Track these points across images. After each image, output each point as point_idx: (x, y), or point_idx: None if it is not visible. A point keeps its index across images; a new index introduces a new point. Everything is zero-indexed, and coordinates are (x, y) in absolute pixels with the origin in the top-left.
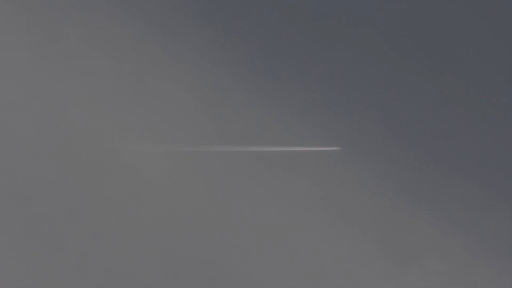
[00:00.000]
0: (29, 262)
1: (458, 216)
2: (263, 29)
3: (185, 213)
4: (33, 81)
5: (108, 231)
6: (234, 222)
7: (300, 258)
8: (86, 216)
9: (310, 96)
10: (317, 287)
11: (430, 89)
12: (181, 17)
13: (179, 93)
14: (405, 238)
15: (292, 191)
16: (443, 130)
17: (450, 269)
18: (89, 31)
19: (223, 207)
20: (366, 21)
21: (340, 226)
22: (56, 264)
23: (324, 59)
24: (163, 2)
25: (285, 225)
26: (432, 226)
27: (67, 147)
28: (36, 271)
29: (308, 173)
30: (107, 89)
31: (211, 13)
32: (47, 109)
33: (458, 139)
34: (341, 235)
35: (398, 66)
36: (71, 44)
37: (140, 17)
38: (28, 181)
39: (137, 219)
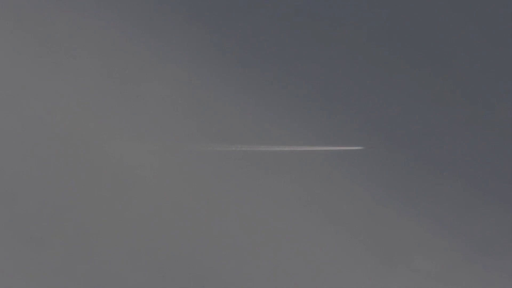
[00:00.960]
0: (15, 261)
1: (446, 215)
2: (251, 27)
3: (173, 212)
4: (19, 80)
5: (96, 230)
6: (225, 221)
7: (287, 257)
8: (73, 215)
9: (299, 95)
10: (305, 286)
11: (420, 88)
12: (170, 16)
13: (168, 92)
14: (393, 237)
15: (279, 191)
16: (432, 129)
17: (438, 269)
18: (80, 31)
19: (214, 207)
20: (355, 19)
21: (327, 225)
22: (42, 264)
23: (313, 57)
24: (152, 2)
25: (274, 224)
26: (420, 225)
27: (54, 145)
28: (22, 270)
29: (296, 173)
30: (97, 88)
31: (199, 12)
32: (35, 108)
33: (447, 138)
34: (328, 234)
35: (388, 64)
36: (61, 43)
37: (130, 16)
38: (14, 179)
39: (125, 218)
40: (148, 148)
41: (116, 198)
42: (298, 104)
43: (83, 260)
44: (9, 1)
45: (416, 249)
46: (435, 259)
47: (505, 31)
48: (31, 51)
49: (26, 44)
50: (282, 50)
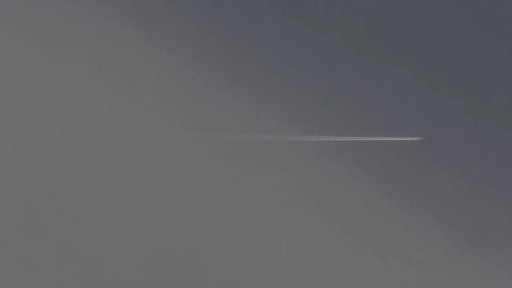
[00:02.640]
0: (8, 253)
1: (439, 205)
2: (245, 20)
3: (167, 202)
4: (13, 71)
5: (91, 221)
6: (221, 211)
7: (281, 248)
8: (68, 205)
9: (292, 86)
10: (300, 277)
11: (412, 78)
12: (165, 8)
13: (163, 83)
14: (386, 227)
15: (273, 181)
16: (424, 119)
17: (431, 258)
18: (75, 23)
19: (209, 198)
20: (348, 10)
21: (320, 216)
22: (35, 255)
23: (305, 49)
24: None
25: (268, 214)
26: (414, 215)
27: (48, 136)
28: (16, 260)
29: (285, 163)
30: (91, 79)
31: (194, 4)
32: (29, 99)
33: (441, 129)
34: (321, 225)
35: (381, 56)
36: (56, 34)
37: (126, 9)
38: (8, 170)
39: (120, 208)
40: (142, 139)
41: (110, 189)
42: (293, 94)
43: (78, 251)
44: (10, 3)
45: (410, 240)
46: (429, 249)
47: (500, 24)
48: (25, 42)
49: (20, 36)
50: (278, 42)
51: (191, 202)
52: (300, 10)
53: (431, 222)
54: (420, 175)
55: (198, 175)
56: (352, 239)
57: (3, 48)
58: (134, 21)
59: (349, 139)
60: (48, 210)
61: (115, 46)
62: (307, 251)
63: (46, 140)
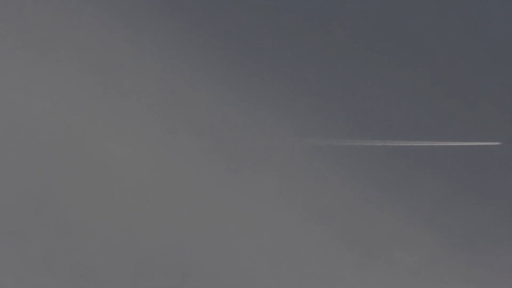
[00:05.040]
0: None
1: (426, 209)
2: (230, 24)
3: (153, 207)
4: (1, 79)
5: (76, 226)
6: (205, 214)
7: (269, 253)
8: (53, 210)
9: (277, 90)
10: (288, 281)
11: (397, 81)
12: (154, 12)
13: (152, 88)
14: (374, 231)
15: (261, 186)
16: (410, 122)
17: (418, 262)
18: (62, 26)
19: (199, 201)
20: (338, 14)
21: (306, 219)
22: (21, 259)
23: (293, 53)
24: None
25: (255, 221)
26: (401, 219)
27: (36, 138)
28: (3, 263)
29: (272, 167)
30: (80, 81)
31: (182, 12)
32: (16, 101)
33: (425, 131)
34: (309, 229)
35: (363, 59)
36: (44, 37)
37: (115, 12)
38: None
39: (105, 213)
40: (129, 142)
41: (97, 192)
42: (277, 99)
43: (65, 255)
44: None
45: (397, 243)
46: (416, 253)
47: (488, 28)
48: (11, 45)
49: (5, 38)
50: (266, 46)
51: (178, 206)
52: (289, 14)
53: (419, 226)
54: (407, 179)
55: (186, 180)
56: (340, 243)
57: None
58: (122, 25)
59: (337, 143)
60: (34, 213)
61: (102, 49)
62: (296, 255)
63: (32, 143)
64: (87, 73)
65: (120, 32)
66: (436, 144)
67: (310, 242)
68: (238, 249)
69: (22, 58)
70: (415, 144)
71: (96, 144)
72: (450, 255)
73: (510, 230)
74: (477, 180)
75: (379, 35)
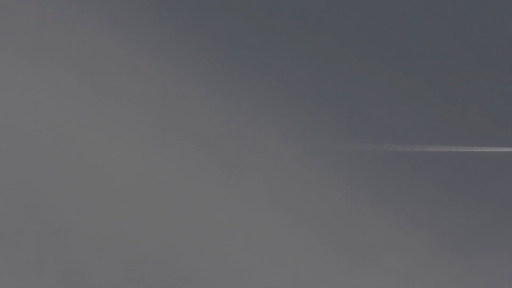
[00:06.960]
0: None
1: (416, 214)
2: (222, 29)
3: (144, 210)
4: None
5: (65, 229)
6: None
7: (258, 258)
8: (42, 214)
9: (269, 95)
10: (277, 285)
11: (384, 86)
12: (144, 14)
13: (141, 89)
14: (363, 236)
15: (250, 189)
16: (400, 127)
17: (406, 267)
18: (55, 35)
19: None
20: (326, 20)
21: (297, 223)
22: (10, 262)
23: (275, 57)
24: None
25: (245, 225)
26: (390, 224)
27: (24, 143)
28: None
29: (261, 171)
30: (69, 82)
31: (172, 16)
32: (7, 109)
33: (415, 136)
34: (296, 233)
35: (357, 64)
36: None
37: (108, 21)
38: None
39: (95, 217)
40: (118, 145)
41: (86, 196)
42: (264, 101)
43: (54, 258)
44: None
45: (386, 248)
46: (404, 258)
47: (483, 34)
48: (3, 47)
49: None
50: (256, 50)
51: (169, 209)
52: (281, 19)
53: (407, 231)
54: (397, 184)
55: (177, 183)
56: (329, 248)
57: None
58: (114, 29)
59: (330, 148)
60: (24, 217)
61: (95, 53)
62: (286, 259)
63: (21, 146)
64: (78, 76)
65: (113, 36)
66: (426, 150)
67: (301, 246)
68: (228, 253)
69: (13, 61)
70: (406, 150)
71: (87, 147)
72: (440, 259)
73: (501, 234)
74: (468, 185)
75: (373, 40)
